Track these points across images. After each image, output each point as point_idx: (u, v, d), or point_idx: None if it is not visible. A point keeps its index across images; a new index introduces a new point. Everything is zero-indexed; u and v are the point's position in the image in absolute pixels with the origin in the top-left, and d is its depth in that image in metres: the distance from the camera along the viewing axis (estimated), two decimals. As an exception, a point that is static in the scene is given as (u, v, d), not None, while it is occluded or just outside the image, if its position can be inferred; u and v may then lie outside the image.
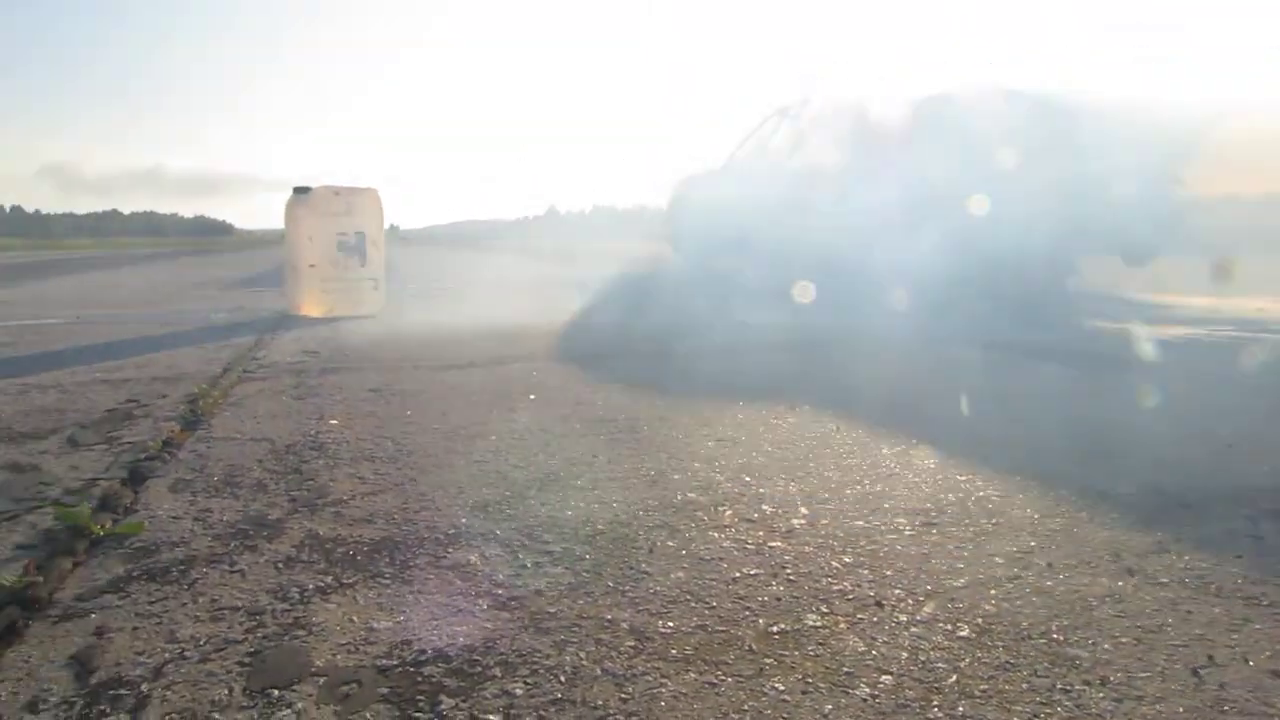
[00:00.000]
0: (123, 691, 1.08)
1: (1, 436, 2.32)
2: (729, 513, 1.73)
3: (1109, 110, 6.20)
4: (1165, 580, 1.42)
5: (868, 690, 1.09)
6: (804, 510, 1.74)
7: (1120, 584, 1.40)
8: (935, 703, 1.06)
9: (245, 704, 1.05)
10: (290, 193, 5.38)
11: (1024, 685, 1.10)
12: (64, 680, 1.11)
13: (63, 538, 1.56)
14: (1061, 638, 1.22)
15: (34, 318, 5.49)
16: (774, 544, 1.57)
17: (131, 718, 1.02)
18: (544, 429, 2.42)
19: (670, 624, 1.26)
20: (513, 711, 1.04)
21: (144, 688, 1.09)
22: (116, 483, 1.90)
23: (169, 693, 1.07)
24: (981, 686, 1.10)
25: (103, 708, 1.04)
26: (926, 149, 6.22)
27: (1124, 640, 1.21)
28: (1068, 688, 1.09)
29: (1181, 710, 1.04)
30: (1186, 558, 1.51)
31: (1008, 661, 1.16)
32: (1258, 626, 1.26)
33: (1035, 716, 1.03)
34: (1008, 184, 5.71)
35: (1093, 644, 1.20)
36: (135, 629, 1.24)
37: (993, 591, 1.37)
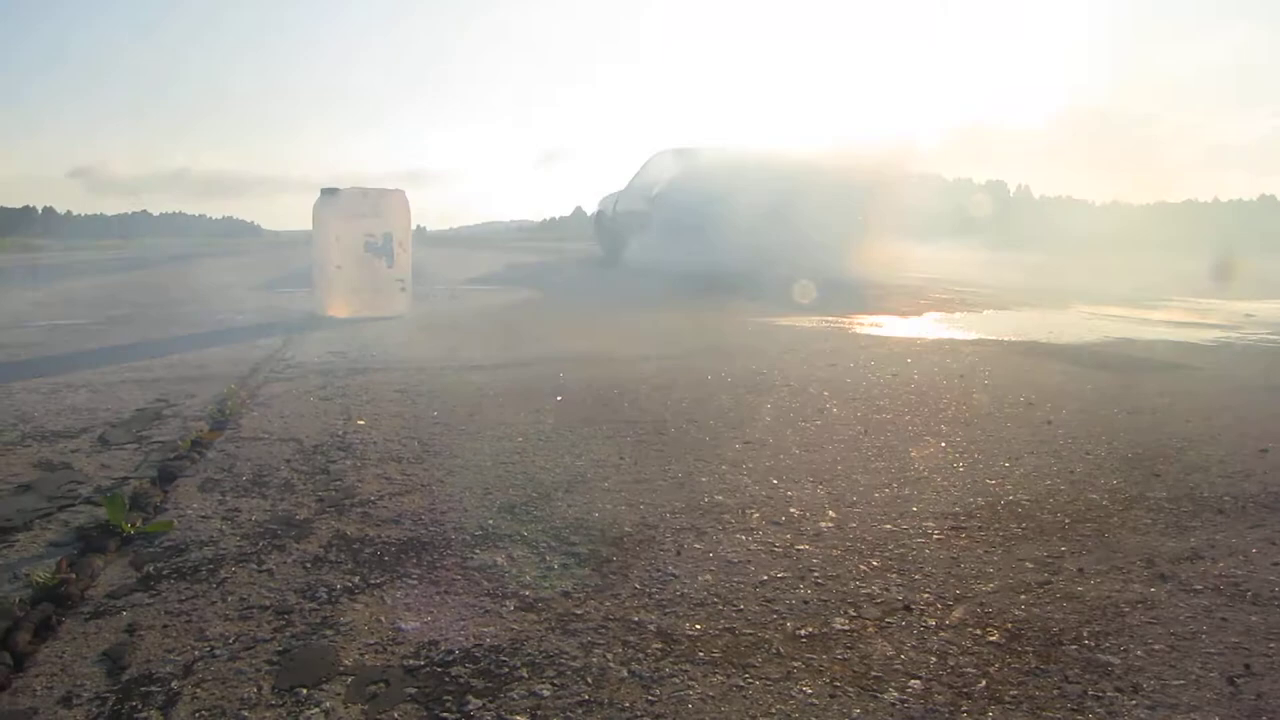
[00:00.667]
0: (153, 688, 1.09)
1: (34, 435, 2.35)
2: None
3: (823, 167, 10.77)
4: (1199, 587, 1.40)
5: (896, 695, 1.08)
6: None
7: (1153, 590, 1.38)
8: (964, 708, 1.05)
9: (274, 702, 1.06)
10: (318, 194, 5.41)
11: (1055, 691, 1.09)
12: (96, 676, 1.12)
13: (94, 536, 1.58)
14: (1093, 644, 1.21)
15: (65, 318, 5.57)
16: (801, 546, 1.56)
17: (162, 714, 1.03)
18: (570, 429, 2.42)
19: (698, 626, 1.26)
20: (540, 712, 1.04)
21: (174, 685, 1.10)
22: (146, 482, 1.92)
23: (199, 690, 1.08)
24: (1011, 692, 1.09)
25: (134, 704, 1.05)
26: (717, 191, 10.31)
27: (1157, 647, 1.20)
28: (1099, 695, 1.08)
29: None
30: (1221, 564, 1.49)
31: (1038, 667, 1.15)
32: (1295, 634, 1.23)
33: (1067, 724, 1.02)
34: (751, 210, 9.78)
35: (1125, 651, 1.19)
36: (165, 626, 1.25)
37: (1023, 596, 1.36)
